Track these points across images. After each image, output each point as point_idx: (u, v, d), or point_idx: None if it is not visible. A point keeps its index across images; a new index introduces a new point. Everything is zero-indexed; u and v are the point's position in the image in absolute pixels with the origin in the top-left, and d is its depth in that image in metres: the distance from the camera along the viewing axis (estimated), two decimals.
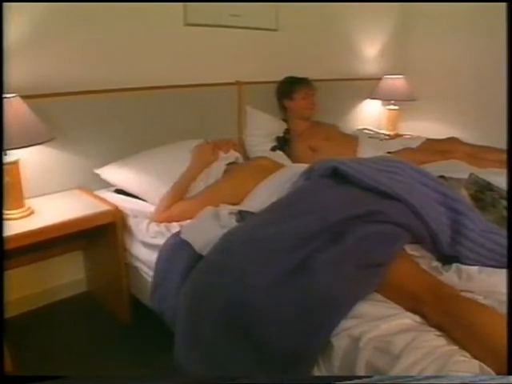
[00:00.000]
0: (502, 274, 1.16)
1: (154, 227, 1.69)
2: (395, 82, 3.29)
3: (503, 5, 1.98)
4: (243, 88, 2.55)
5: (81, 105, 1.94)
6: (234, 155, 2.12)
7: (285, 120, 2.75)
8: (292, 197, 1.48)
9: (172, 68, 2.28)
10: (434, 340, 0.98)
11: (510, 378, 0.84)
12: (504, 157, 2.11)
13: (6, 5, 1.55)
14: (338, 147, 2.54)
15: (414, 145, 2.71)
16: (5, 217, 1.59)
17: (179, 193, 1.79)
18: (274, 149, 2.57)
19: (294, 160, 2.44)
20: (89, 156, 1.99)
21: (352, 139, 2.76)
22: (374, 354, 0.97)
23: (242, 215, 1.56)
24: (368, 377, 0.93)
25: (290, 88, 2.66)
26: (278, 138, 2.63)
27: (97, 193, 1.93)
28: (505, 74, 1.89)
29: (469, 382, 0.85)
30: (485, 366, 0.90)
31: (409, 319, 1.05)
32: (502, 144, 1.63)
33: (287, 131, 2.69)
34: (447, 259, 1.28)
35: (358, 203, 1.30)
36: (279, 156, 2.48)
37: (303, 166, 1.68)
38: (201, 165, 1.94)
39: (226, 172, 1.96)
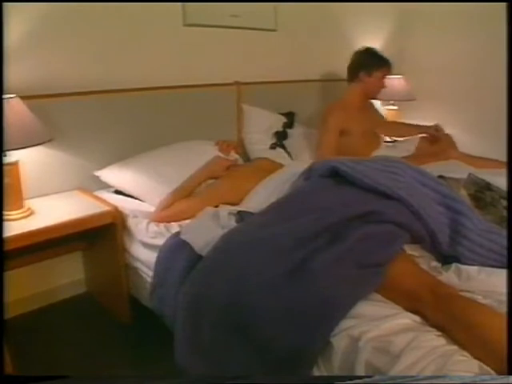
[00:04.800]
0: (502, 273, 1.16)
1: (153, 227, 1.69)
2: (394, 81, 3.29)
3: (503, 5, 1.98)
4: (242, 88, 2.55)
5: (80, 105, 1.94)
6: (233, 157, 2.12)
7: (283, 114, 2.72)
8: (291, 197, 1.49)
9: (171, 68, 2.28)
10: (434, 340, 0.98)
11: (510, 378, 0.84)
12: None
13: (5, 6, 1.55)
14: (362, 143, 2.52)
15: (410, 146, 2.71)
16: (4, 217, 1.59)
17: (182, 196, 1.78)
18: (273, 146, 2.53)
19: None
20: (88, 157, 1.99)
21: (378, 141, 2.74)
22: (373, 354, 0.97)
23: (241, 216, 1.56)
24: (368, 377, 0.93)
25: (372, 62, 2.55)
26: (277, 133, 2.60)
27: (96, 193, 1.93)
28: (505, 75, 1.88)
29: (469, 381, 0.85)
30: (484, 366, 0.90)
31: (408, 319, 1.05)
32: (502, 145, 1.62)
33: (285, 125, 2.66)
34: (446, 259, 1.29)
35: (358, 203, 1.31)
36: (279, 153, 2.47)
37: (303, 166, 1.68)
38: (210, 176, 1.91)
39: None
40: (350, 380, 0.87)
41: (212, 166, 1.94)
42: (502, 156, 1.81)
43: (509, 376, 0.84)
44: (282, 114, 2.73)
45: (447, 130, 2.78)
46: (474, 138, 2.89)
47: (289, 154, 2.53)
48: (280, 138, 2.59)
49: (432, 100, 2.93)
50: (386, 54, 2.65)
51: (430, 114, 3.10)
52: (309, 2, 2.81)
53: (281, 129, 2.65)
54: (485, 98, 2.95)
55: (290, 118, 2.73)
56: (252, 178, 1.80)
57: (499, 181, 1.60)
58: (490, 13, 2.72)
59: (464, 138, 2.68)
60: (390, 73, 2.61)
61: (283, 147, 2.56)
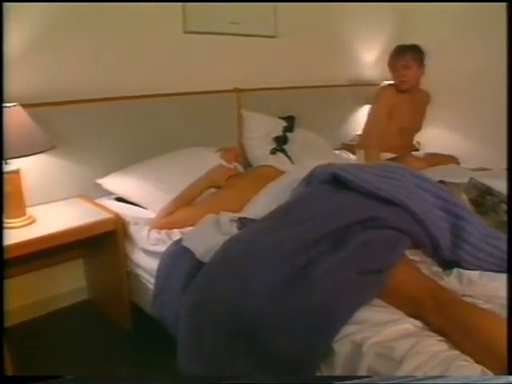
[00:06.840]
0: (503, 278, 1.16)
1: (154, 234, 1.69)
2: None
3: (503, 5, 1.98)
4: (242, 95, 2.56)
5: (81, 113, 1.95)
6: (234, 166, 2.14)
7: (283, 118, 2.72)
8: (292, 203, 1.49)
9: (172, 76, 2.30)
10: (436, 345, 0.98)
11: (510, 378, 0.84)
12: None
13: (5, 12, 1.56)
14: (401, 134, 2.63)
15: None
16: (6, 225, 1.59)
17: (183, 204, 1.79)
18: (273, 151, 2.53)
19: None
20: (89, 164, 2.00)
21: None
22: (375, 359, 0.97)
23: (242, 222, 1.56)
24: (367, 377, 0.93)
25: (389, 58, 2.65)
26: (277, 138, 2.60)
27: (98, 201, 1.94)
28: (505, 76, 1.88)
29: (468, 382, 0.85)
30: (487, 371, 0.90)
31: (410, 324, 1.05)
32: (502, 147, 1.63)
33: (286, 129, 2.66)
34: (448, 264, 1.29)
35: (359, 209, 1.31)
36: (279, 158, 2.47)
37: (303, 173, 1.68)
38: (211, 185, 1.91)
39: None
40: (349, 380, 0.87)
41: (214, 174, 1.93)
42: (502, 159, 1.83)
43: (509, 376, 0.84)
44: (282, 118, 2.72)
45: (447, 135, 2.80)
46: (472, 141, 2.89)
47: (289, 158, 2.52)
48: (280, 143, 2.58)
49: (431, 105, 2.93)
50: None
51: (429, 119, 3.11)
52: (308, 3, 2.82)
53: (281, 133, 2.64)
54: (485, 101, 2.96)
55: (290, 122, 2.73)
56: (254, 186, 1.79)
57: (500, 185, 1.60)
58: (489, 14, 2.72)
59: (463, 142, 2.69)
60: (400, 60, 2.55)
61: (283, 152, 2.55)
